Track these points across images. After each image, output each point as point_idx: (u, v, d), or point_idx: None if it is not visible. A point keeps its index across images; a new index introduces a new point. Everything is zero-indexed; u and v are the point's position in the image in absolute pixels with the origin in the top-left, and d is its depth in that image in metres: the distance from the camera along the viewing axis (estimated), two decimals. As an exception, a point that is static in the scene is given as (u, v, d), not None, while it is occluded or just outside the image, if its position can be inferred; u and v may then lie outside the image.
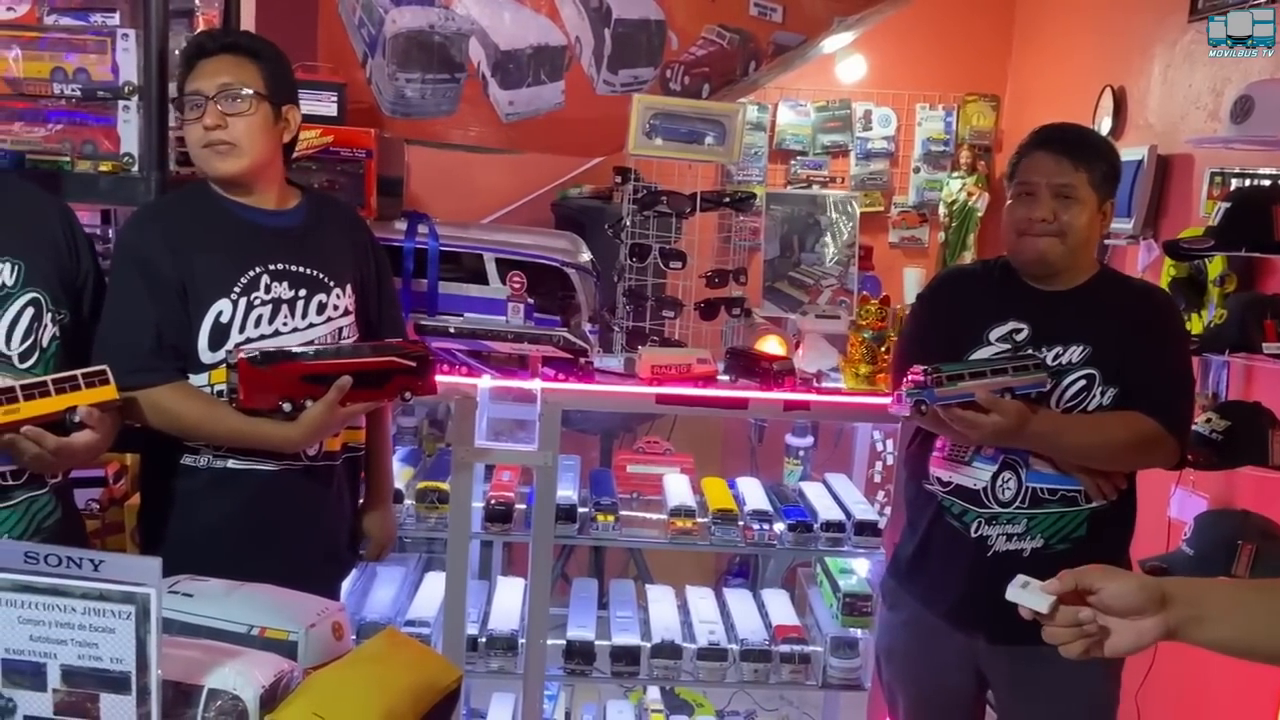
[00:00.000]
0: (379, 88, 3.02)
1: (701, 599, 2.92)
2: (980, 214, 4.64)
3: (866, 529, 2.66)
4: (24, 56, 2.19)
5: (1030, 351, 2.02)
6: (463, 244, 2.57)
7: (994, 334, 2.08)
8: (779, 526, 2.68)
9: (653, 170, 2.74)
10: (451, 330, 2.54)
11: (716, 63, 3.00)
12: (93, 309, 1.82)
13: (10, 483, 1.68)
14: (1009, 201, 2.07)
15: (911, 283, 4.67)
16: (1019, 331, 2.07)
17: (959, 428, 1.96)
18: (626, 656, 2.64)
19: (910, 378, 1.96)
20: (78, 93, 2.18)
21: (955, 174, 4.71)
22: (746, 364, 2.60)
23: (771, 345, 2.88)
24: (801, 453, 3.23)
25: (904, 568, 2.22)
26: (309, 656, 1.32)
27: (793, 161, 4.77)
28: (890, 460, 2.81)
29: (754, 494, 2.84)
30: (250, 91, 1.85)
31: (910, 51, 4.69)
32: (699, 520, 2.68)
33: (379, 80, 3.01)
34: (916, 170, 4.82)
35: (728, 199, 2.75)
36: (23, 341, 1.68)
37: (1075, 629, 1.19)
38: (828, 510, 2.73)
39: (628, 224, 2.61)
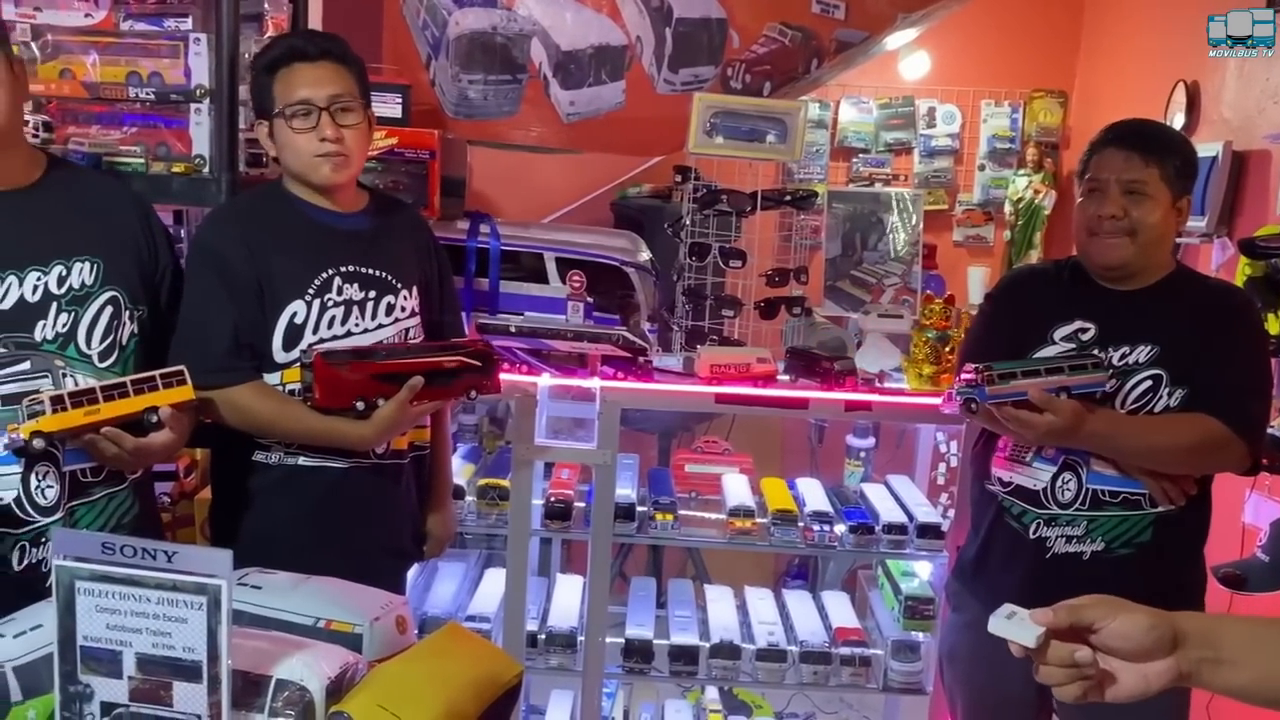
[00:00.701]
0: (442, 89, 3.05)
1: (760, 600, 2.90)
2: (1047, 212, 4.55)
3: (929, 531, 2.62)
4: (101, 61, 2.25)
5: (1092, 351, 1.99)
6: (523, 243, 2.59)
7: (1059, 333, 2.05)
8: (839, 528, 2.66)
9: (713, 169, 2.73)
10: (512, 329, 2.56)
11: (778, 60, 2.99)
12: (170, 303, 1.85)
13: (90, 479, 1.72)
14: (1079, 199, 2.04)
15: (976, 282, 4.60)
16: (1085, 331, 2.03)
17: (1013, 427, 1.94)
18: (685, 656, 2.64)
19: (962, 376, 1.95)
20: (151, 96, 2.23)
21: (1021, 171, 4.63)
22: (807, 364, 2.58)
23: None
24: (863, 454, 3.20)
25: (967, 569, 2.20)
26: (373, 649, 1.34)
27: (855, 159, 4.73)
28: (954, 462, 2.77)
29: (814, 495, 2.81)
30: (358, 102, 1.90)
31: (975, 47, 4.62)
32: (758, 521, 2.66)
33: (442, 82, 3.04)
34: (981, 168, 4.75)
35: (789, 197, 2.73)
36: (102, 340, 1.71)
37: (1071, 669, 1.04)
38: (890, 512, 2.70)
39: (687, 223, 2.61)
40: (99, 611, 1.14)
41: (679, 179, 2.68)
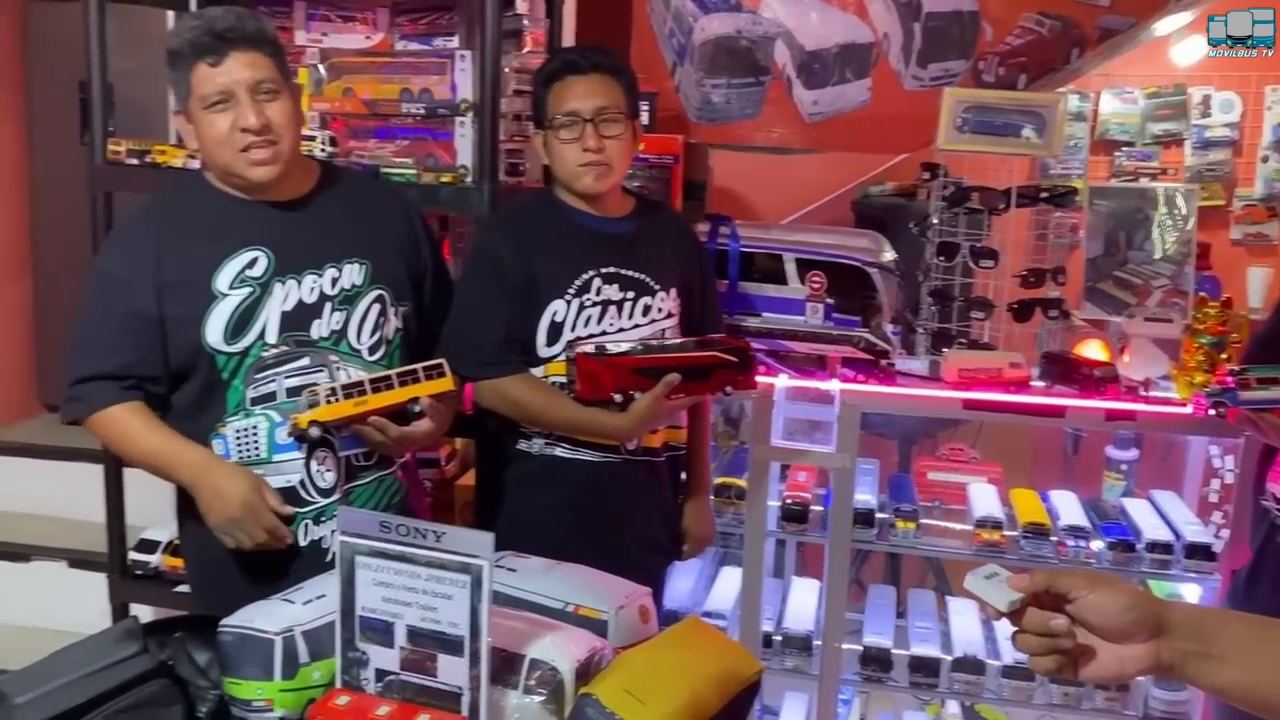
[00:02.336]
0: (686, 95, 3.11)
1: (1007, 615, 2.77)
2: (1344, 207, 4.10)
3: (1198, 552, 2.42)
4: (378, 80, 2.44)
5: None
6: (762, 244, 2.60)
7: None
8: (1096, 544, 2.50)
9: (962, 165, 2.64)
10: (751, 330, 2.57)
11: (1035, 52, 2.85)
12: (434, 298, 1.99)
13: (363, 464, 1.87)
14: None
15: (1256, 283, 4.21)
16: None
17: (1272, 437, 1.81)
18: (925, 668, 2.56)
19: (1217, 378, 1.82)
20: (421, 111, 2.40)
21: (1314, 162, 4.19)
22: (1064, 369, 2.45)
23: (1093, 350, 2.69)
24: (1124, 467, 2.99)
25: (1239, 590, 2.07)
26: (618, 636, 1.38)
27: (1117, 153, 4.44)
28: (1229, 478, 2.54)
29: (1069, 508, 2.66)
30: (623, 113, 1.98)
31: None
32: (1007, 533, 2.55)
33: (686, 87, 3.10)
34: (1265, 159, 4.34)
35: (1045, 193, 2.60)
36: (371, 335, 1.86)
37: (1046, 640, 1.00)
38: (1154, 530, 2.52)
39: (935, 221, 2.53)
40: (375, 585, 1.23)
41: (926, 176, 2.61)
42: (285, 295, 1.79)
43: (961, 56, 2.89)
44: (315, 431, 1.73)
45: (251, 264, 1.78)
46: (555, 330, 2.00)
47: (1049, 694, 2.50)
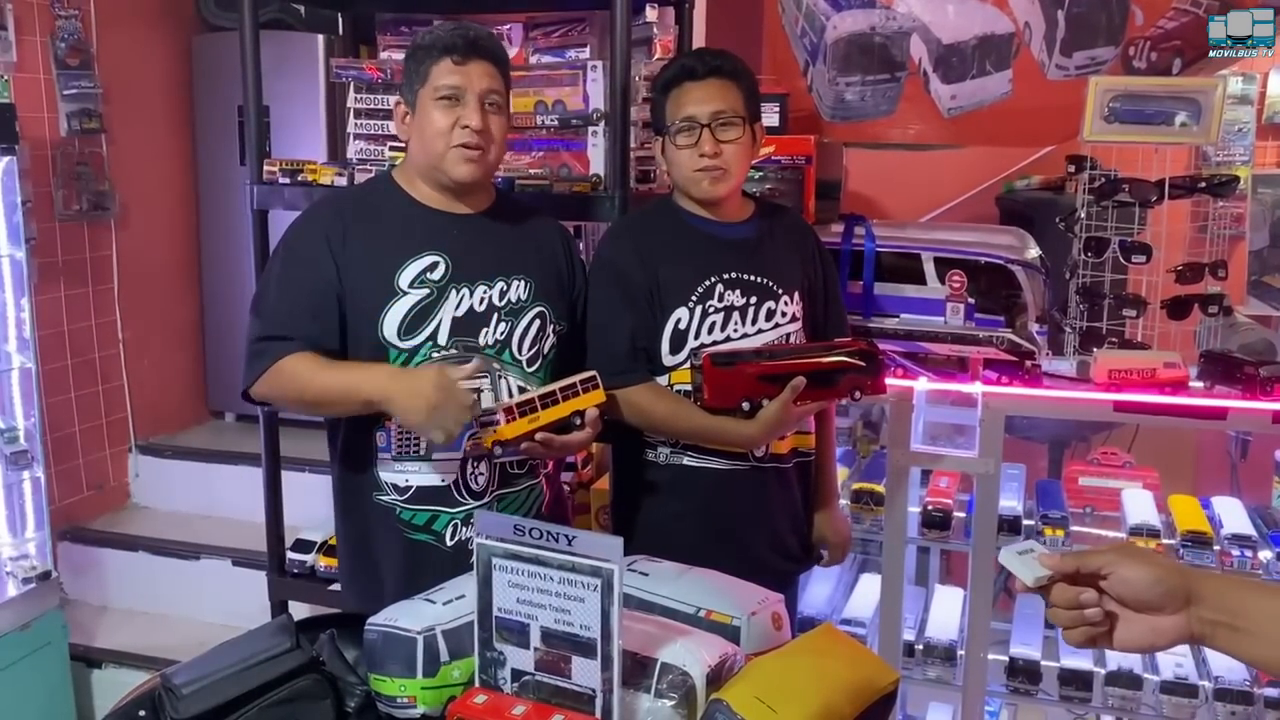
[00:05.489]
0: (819, 94, 3.07)
1: (1167, 628, 2.63)
2: None
3: (1381, 564, 2.25)
4: (514, 94, 2.48)
5: None
6: (900, 244, 2.54)
7: None
8: (1265, 554, 2.35)
9: (1112, 156, 2.52)
10: (888, 332, 2.52)
11: (1190, 34, 2.70)
12: (583, 322, 2.03)
13: (517, 471, 1.93)
14: None
15: None
16: None
17: None
18: (1077, 681, 2.46)
19: None
20: (555, 122, 2.44)
21: None
22: (1226, 369, 2.31)
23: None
24: (1296, 473, 2.80)
25: None
26: (750, 642, 1.38)
27: (1287, 137, 4.16)
28: None
29: (1233, 516, 2.51)
30: (741, 117, 1.97)
31: None
32: (1165, 541, 2.42)
33: (819, 87, 3.06)
34: None
35: (1203, 183, 2.47)
36: (530, 348, 1.92)
37: (1075, 613, 1.06)
38: (1330, 540, 2.35)
39: (1082, 215, 2.44)
40: (511, 586, 1.26)
41: (1073, 169, 2.51)
42: (459, 301, 1.86)
43: (1109, 43, 2.76)
44: (498, 450, 1.78)
45: (432, 267, 1.86)
46: (679, 338, 2.00)
47: (1213, 713, 2.37)
